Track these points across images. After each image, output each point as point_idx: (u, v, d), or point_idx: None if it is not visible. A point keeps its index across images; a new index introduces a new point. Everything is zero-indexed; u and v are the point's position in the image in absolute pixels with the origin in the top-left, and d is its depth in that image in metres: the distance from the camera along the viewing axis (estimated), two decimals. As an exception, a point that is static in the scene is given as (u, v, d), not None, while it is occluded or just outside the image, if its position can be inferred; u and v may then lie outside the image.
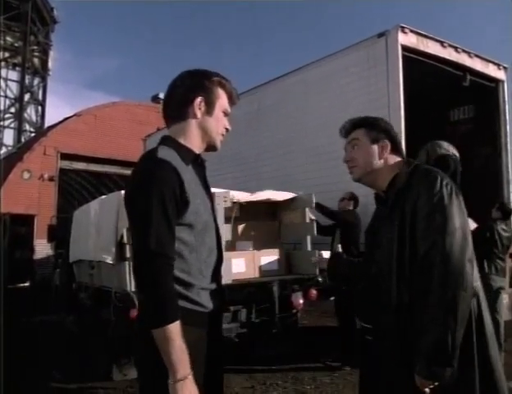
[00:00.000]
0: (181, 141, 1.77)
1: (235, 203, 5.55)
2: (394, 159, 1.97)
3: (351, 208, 5.94)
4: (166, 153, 1.67)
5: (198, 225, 1.69)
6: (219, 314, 1.84)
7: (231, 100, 1.87)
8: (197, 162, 1.80)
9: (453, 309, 1.63)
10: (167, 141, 1.77)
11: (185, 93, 1.77)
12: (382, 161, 1.96)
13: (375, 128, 1.99)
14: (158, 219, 1.55)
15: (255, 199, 5.80)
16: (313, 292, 5.65)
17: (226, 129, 1.87)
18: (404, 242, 1.77)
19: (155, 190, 1.56)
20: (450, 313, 1.63)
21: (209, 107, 1.79)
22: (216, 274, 1.78)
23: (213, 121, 1.81)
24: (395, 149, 1.98)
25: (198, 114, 1.77)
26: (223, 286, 1.86)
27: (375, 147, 1.96)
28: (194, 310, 1.66)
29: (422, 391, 1.67)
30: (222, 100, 1.83)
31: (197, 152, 1.80)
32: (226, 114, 1.86)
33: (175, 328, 1.50)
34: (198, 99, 1.76)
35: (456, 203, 1.74)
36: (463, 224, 1.73)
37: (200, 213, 1.69)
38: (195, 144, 1.80)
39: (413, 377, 1.69)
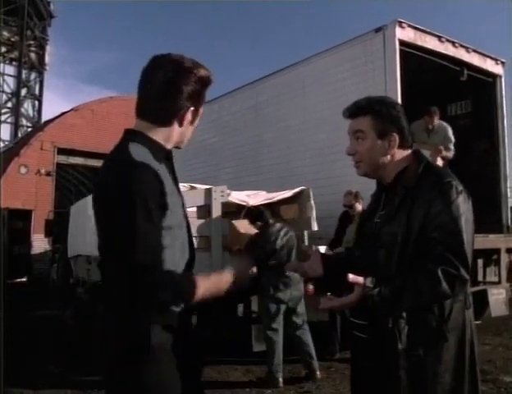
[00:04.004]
0: (153, 137, 1.63)
1: (242, 206, 5.54)
2: (401, 153, 1.85)
3: (355, 202, 5.90)
4: (141, 154, 1.54)
5: (174, 225, 1.60)
6: (189, 313, 1.73)
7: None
8: (167, 157, 1.69)
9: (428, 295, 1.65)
10: (137, 137, 1.62)
11: (178, 100, 1.61)
12: (389, 156, 1.84)
13: (382, 118, 1.82)
14: (145, 227, 1.45)
15: (264, 202, 5.78)
16: (310, 287, 5.65)
17: None
18: (407, 244, 1.71)
19: (137, 198, 1.44)
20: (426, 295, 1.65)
21: (194, 118, 1.68)
22: (188, 272, 1.68)
23: (192, 129, 1.72)
24: (403, 141, 1.85)
25: (185, 124, 1.66)
26: None
27: (382, 142, 1.83)
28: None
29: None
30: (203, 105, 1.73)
31: (168, 147, 1.69)
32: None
33: (198, 287, 1.55)
34: (190, 112, 1.64)
35: (469, 209, 1.72)
36: (473, 232, 1.73)
37: (176, 212, 1.61)
38: (170, 143, 1.68)
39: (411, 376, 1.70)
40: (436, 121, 6.98)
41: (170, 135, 1.65)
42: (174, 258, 1.59)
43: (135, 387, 1.54)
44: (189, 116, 1.65)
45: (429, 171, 1.80)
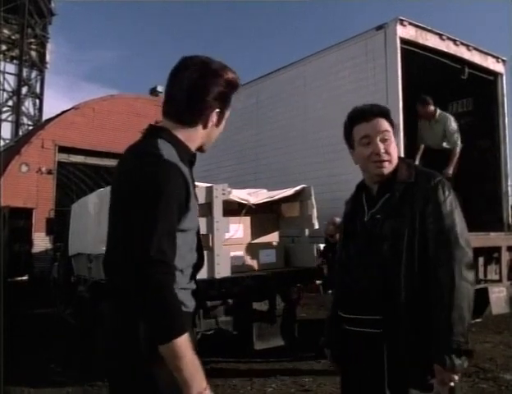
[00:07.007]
0: (181, 138, 1.62)
1: (244, 204, 5.51)
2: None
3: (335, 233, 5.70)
4: (170, 154, 1.52)
5: (190, 228, 1.59)
6: (195, 313, 1.71)
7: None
8: (190, 159, 1.67)
9: (468, 300, 1.76)
10: (165, 135, 1.59)
11: (203, 101, 1.61)
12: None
13: (391, 121, 1.99)
14: (163, 227, 1.42)
15: (266, 201, 5.76)
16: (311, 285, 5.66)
17: None
18: (414, 236, 1.81)
19: (162, 198, 1.44)
20: (466, 304, 1.75)
21: (220, 119, 1.70)
22: (194, 274, 1.67)
23: (217, 132, 1.73)
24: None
25: (209, 125, 1.66)
26: (199, 284, 1.72)
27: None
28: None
29: (445, 385, 1.74)
30: (230, 109, 1.73)
31: (192, 150, 1.68)
32: None
33: (184, 342, 1.39)
34: (215, 113, 1.65)
35: (458, 206, 1.85)
36: (464, 225, 1.85)
37: (194, 216, 1.59)
38: (194, 145, 1.68)
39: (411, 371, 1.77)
40: (431, 109, 6.96)
41: (194, 137, 1.66)
42: (178, 258, 1.52)
43: (149, 388, 1.50)
44: (214, 117, 1.66)
45: (421, 170, 1.97)
